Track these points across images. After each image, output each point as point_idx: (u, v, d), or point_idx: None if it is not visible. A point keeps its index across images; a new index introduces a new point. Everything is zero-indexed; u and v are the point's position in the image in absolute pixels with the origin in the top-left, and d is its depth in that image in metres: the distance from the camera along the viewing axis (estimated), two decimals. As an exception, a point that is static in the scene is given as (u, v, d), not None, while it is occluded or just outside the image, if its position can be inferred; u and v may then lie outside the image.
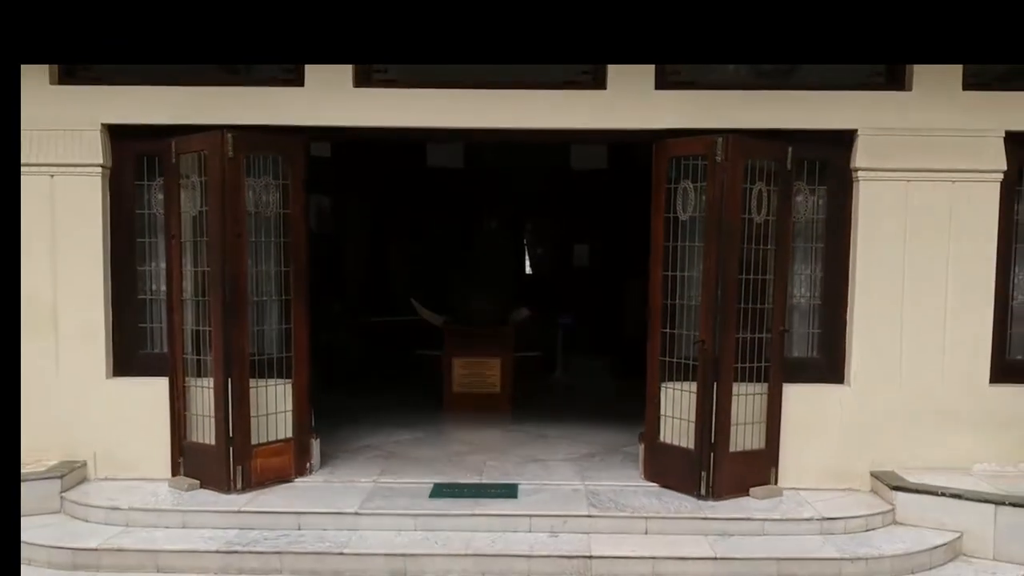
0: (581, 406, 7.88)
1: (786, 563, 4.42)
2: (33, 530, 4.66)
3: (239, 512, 4.77)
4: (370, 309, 9.95)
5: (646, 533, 4.70)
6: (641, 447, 5.47)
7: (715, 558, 4.43)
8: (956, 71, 5.12)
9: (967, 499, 4.78)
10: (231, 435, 5.01)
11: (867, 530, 4.79)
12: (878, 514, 4.87)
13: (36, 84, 5.13)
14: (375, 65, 5.24)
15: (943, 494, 4.84)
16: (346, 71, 5.16)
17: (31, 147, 5.13)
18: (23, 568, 4.45)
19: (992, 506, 4.71)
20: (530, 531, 4.69)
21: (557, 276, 10.98)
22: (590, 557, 4.42)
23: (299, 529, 4.68)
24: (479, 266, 10.08)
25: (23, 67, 5.02)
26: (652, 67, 5.15)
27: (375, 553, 4.43)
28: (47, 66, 5.16)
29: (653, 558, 4.42)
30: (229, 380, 4.99)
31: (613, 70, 5.16)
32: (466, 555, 4.43)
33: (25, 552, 4.53)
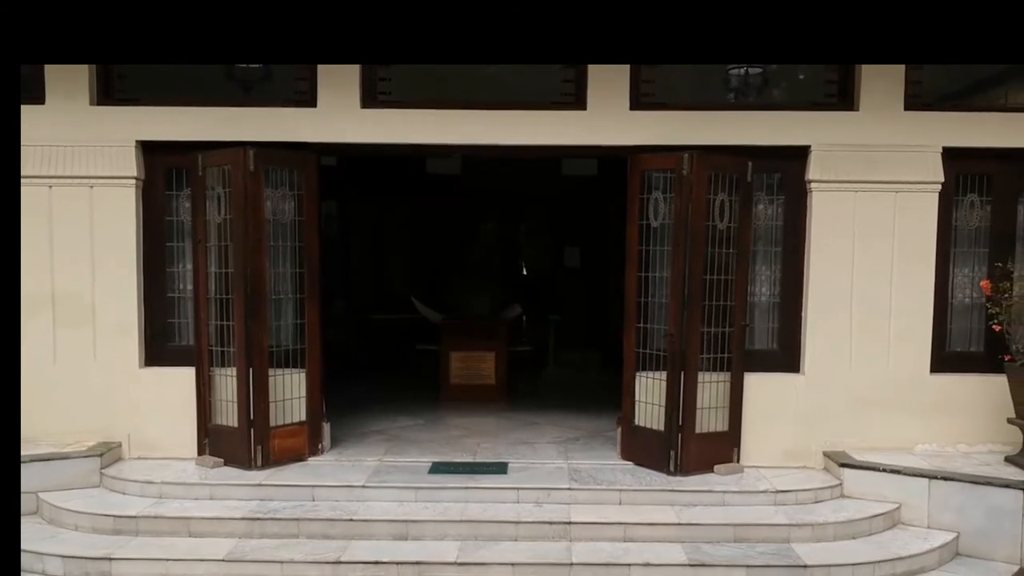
0: (569, 397, 8.48)
1: (741, 528, 5.03)
2: (77, 500, 5.30)
3: (260, 485, 5.39)
4: (373, 307, 10.57)
5: (620, 504, 5.31)
6: (619, 430, 6.08)
7: (679, 524, 5.04)
8: (899, 93, 5.73)
9: (905, 474, 5.39)
10: (252, 418, 5.62)
11: (816, 502, 5.40)
12: (827, 488, 5.48)
13: (77, 105, 5.75)
14: (380, 87, 5.86)
15: (884, 470, 5.45)
16: (354, 93, 5.77)
17: (73, 161, 5.75)
18: (72, 533, 5.08)
19: (926, 480, 5.32)
20: (518, 502, 5.30)
21: (549, 276, 11.60)
22: (570, 523, 5.04)
23: (313, 500, 5.29)
24: (475, 267, 10.71)
25: (66, 89, 5.71)
26: (627, 89, 5.76)
27: (380, 519, 5.05)
28: (87, 88, 5.76)
29: (625, 524, 5.04)
30: (250, 369, 5.60)
31: (592, 92, 5.77)
32: (461, 521, 5.05)
33: (71, 519, 5.16)
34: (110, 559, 4.73)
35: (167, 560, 4.73)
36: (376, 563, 4.69)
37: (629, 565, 4.70)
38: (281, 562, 4.71)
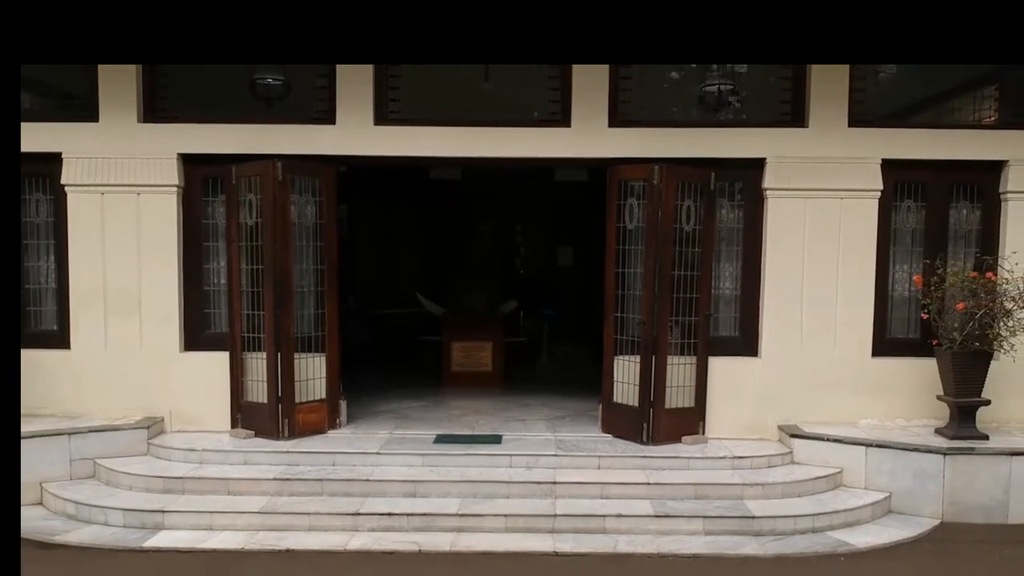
0: (559, 383, 9.30)
1: (702, 487, 5.86)
2: (130, 465, 6.14)
3: (287, 452, 6.22)
4: (380, 303, 11.40)
5: (599, 468, 6.13)
6: (600, 408, 6.92)
7: (648, 484, 5.87)
8: (843, 112, 6.55)
9: (845, 443, 6.22)
10: (280, 395, 6.46)
11: (769, 467, 6.23)
12: (778, 455, 6.31)
13: (126, 122, 6.57)
14: (391, 107, 6.68)
15: (828, 439, 6.28)
16: (368, 112, 6.60)
17: (122, 171, 6.57)
18: (127, 492, 5.90)
19: (863, 448, 6.15)
20: (510, 467, 6.12)
21: (543, 274, 12.44)
22: (555, 483, 5.87)
23: (334, 465, 6.11)
24: (474, 265, 11.55)
25: (116, 108, 6.54)
26: (606, 108, 6.58)
27: (392, 480, 5.88)
28: (134, 107, 6.57)
29: (602, 484, 5.87)
30: (278, 353, 6.44)
31: (576, 111, 6.59)
32: (461, 482, 5.87)
33: (126, 480, 6.00)
34: (163, 511, 5.56)
35: (211, 512, 5.56)
36: (389, 515, 5.52)
37: (604, 516, 5.53)
38: (308, 514, 5.53)
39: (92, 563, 5.10)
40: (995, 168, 6.63)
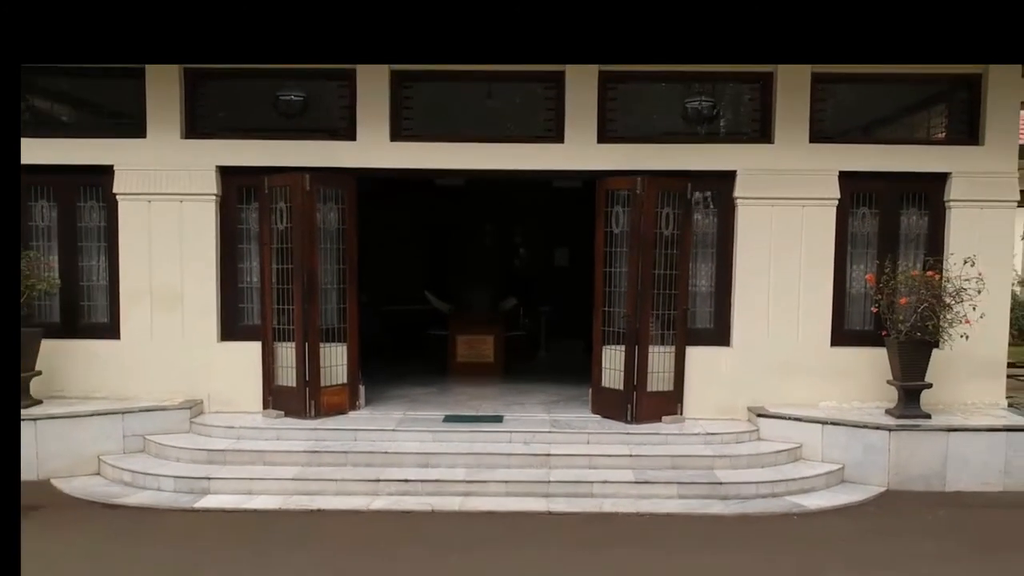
0: (555, 372, 10.13)
1: (678, 459, 6.72)
2: (176, 440, 6.98)
3: (314, 430, 7.07)
4: (389, 300, 12.24)
5: (588, 443, 6.98)
6: (590, 392, 7.77)
7: (631, 456, 6.72)
8: (805, 129, 7.38)
9: (804, 421, 7.06)
10: (307, 380, 7.31)
11: (737, 442, 7.08)
12: (746, 432, 7.16)
13: (170, 138, 7.41)
14: (404, 125, 7.53)
15: (789, 418, 7.12)
16: (384, 130, 7.44)
17: (167, 182, 7.42)
18: (175, 463, 6.75)
19: (819, 425, 7.00)
20: (511, 442, 6.96)
21: (541, 273, 13.29)
22: (549, 455, 6.71)
23: (356, 440, 6.96)
24: (477, 265, 12.39)
25: (161, 126, 7.38)
26: (595, 126, 7.42)
27: (407, 453, 6.72)
28: (177, 125, 7.42)
29: (590, 456, 6.72)
30: (306, 343, 7.29)
31: (568, 128, 7.43)
32: (467, 454, 6.72)
33: (174, 453, 6.85)
34: (208, 478, 6.41)
35: (251, 479, 6.40)
36: (406, 481, 6.37)
37: (592, 483, 6.38)
38: (335, 480, 6.38)
39: (152, 520, 5.94)
40: (940, 179, 7.47)
